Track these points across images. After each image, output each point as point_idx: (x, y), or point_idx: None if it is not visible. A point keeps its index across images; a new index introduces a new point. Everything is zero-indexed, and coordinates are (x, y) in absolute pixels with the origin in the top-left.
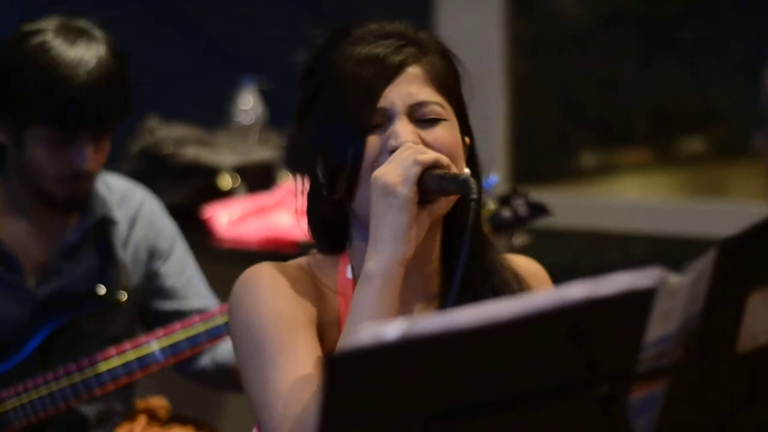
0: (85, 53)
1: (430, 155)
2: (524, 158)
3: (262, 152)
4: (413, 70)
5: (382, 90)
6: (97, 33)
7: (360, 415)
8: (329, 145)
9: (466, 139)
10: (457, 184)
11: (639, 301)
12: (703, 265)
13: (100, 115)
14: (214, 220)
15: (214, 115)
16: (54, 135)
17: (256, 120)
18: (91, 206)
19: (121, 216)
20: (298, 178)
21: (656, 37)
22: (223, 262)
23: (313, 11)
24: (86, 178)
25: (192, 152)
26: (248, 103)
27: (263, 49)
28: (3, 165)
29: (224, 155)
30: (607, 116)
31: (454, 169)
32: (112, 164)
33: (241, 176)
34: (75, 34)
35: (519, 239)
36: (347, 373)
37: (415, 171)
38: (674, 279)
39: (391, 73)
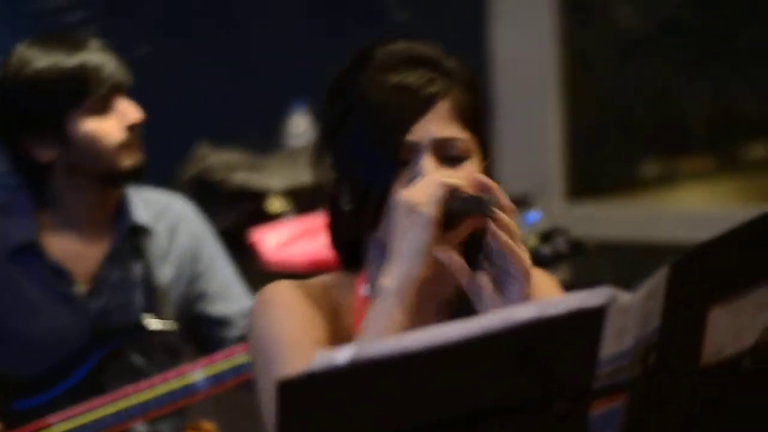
0: (70, 38)
1: (457, 179)
2: (583, 170)
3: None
4: (442, 106)
5: (411, 125)
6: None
7: None
8: (355, 173)
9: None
10: (473, 202)
11: (590, 320)
12: (655, 282)
13: (116, 67)
14: (261, 243)
15: (266, 139)
16: (93, 103)
17: (307, 143)
18: (125, 212)
19: (160, 228)
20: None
21: (712, 45)
22: None
23: (364, 33)
24: (137, 130)
25: (241, 177)
26: (300, 127)
27: (313, 72)
28: (46, 190)
29: (274, 179)
30: (665, 125)
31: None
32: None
33: (291, 199)
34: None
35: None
36: (300, 397)
37: (441, 192)
38: (625, 297)
39: (421, 107)
